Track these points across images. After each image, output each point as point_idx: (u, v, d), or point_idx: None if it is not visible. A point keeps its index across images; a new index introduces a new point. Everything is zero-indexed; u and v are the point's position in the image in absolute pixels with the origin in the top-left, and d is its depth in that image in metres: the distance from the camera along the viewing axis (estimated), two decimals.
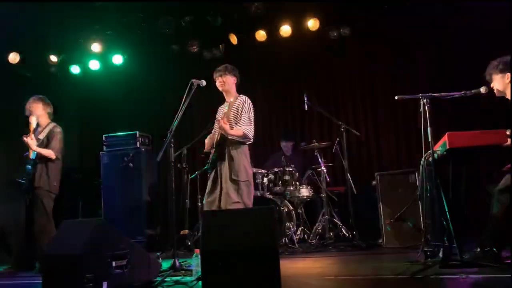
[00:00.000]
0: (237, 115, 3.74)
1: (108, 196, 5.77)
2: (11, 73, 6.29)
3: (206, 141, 3.91)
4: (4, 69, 6.21)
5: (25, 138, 4.21)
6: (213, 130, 3.97)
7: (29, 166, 4.24)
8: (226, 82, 3.84)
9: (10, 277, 4.04)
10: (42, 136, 4.34)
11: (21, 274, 4.13)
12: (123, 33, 6.36)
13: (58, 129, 4.41)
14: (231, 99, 3.85)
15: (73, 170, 6.28)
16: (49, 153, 4.29)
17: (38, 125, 4.43)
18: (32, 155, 4.24)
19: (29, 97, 4.49)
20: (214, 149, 3.74)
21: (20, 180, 4.36)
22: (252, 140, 3.79)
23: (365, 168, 6.10)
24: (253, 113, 3.81)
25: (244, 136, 3.68)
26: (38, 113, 4.42)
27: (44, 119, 4.47)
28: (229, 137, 3.66)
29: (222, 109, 3.92)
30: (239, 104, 3.79)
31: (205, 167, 3.87)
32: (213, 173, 3.74)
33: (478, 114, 5.44)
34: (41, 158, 4.28)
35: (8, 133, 5.99)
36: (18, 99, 4.50)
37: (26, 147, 4.35)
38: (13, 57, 6.16)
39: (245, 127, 3.69)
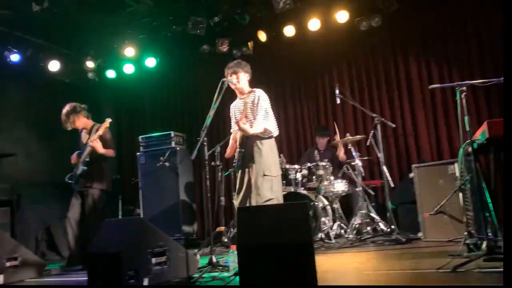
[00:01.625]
0: (254, 111, 3.70)
1: (146, 195, 5.95)
2: (52, 81, 6.62)
3: (228, 149, 3.91)
4: (46, 77, 6.54)
5: (94, 143, 4.32)
6: (232, 129, 3.95)
7: (85, 167, 4.42)
8: (240, 80, 3.78)
9: (59, 274, 4.24)
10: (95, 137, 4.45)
11: (72, 272, 4.30)
12: (155, 36, 6.51)
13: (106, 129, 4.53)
14: (245, 95, 3.80)
15: (112, 171, 6.52)
16: (111, 152, 4.51)
17: (84, 129, 4.63)
18: (87, 157, 4.42)
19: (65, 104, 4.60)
20: (239, 148, 3.70)
21: (70, 181, 4.57)
22: (276, 132, 3.75)
23: (403, 161, 5.95)
24: (269, 105, 3.74)
25: (265, 131, 3.66)
26: (83, 124, 4.59)
27: (88, 123, 4.65)
28: (251, 136, 3.63)
29: (237, 106, 3.87)
30: (254, 99, 3.72)
31: (233, 168, 3.79)
32: (240, 172, 3.72)
33: None
34: (96, 158, 4.43)
35: (51, 137, 6.33)
36: (59, 104, 4.72)
37: (70, 150, 4.58)
38: (53, 65, 6.47)
39: (264, 121, 3.65)
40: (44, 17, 5.37)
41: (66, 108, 4.54)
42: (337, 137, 5.57)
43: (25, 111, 6.39)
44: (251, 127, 3.63)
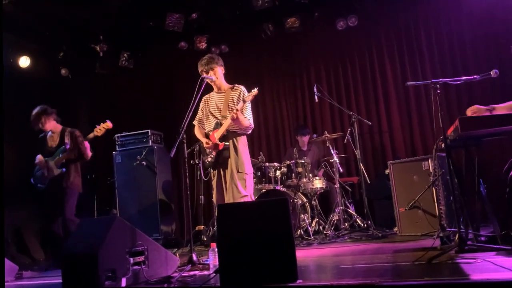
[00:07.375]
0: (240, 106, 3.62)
1: (123, 195, 5.85)
2: (22, 77, 6.35)
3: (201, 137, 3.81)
4: (15, 73, 6.27)
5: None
6: (201, 122, 3.88)
7: (63, 169, 4.43)
8: (218, 75, 3.76)
9: (32, 278, 4.12)
10: (68, 140, 4.49)
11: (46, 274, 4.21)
12: (132, 33, 6.40)
13: (78, 132, 4.56)
14: (224, 89, 3.78)
15: (87, 170, 6.37)
16: (88, 155, 4.54)
17: (51, 131, 4.57)
18: (62, 160, 4.43)
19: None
20: (212, 145, 3.64)
21: (40, 185, 4.49)
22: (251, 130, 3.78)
23: (379, 158, 6.07)
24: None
25: (249, 125, 3.65)
26: (52, 126, 4.56)
27: (57, 127, 4.61)
28: (234, 128, 3.61)
29: (215, 101, 3.79)
30: (239, 94, 3.70)
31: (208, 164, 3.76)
32: (216, 170, 3.69)
33: (492, 98, 5.36)
34: (72, 160, 4.46)
35: (16, 136, 6.07)
36: (27, 103, 4.59)
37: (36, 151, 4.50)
38: (23, 61, 6.21)
39: (250, 117, 3.66)
40: (13, 10, 5.18)
41: (37, 109, 4.53)
42: None
43: None
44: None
